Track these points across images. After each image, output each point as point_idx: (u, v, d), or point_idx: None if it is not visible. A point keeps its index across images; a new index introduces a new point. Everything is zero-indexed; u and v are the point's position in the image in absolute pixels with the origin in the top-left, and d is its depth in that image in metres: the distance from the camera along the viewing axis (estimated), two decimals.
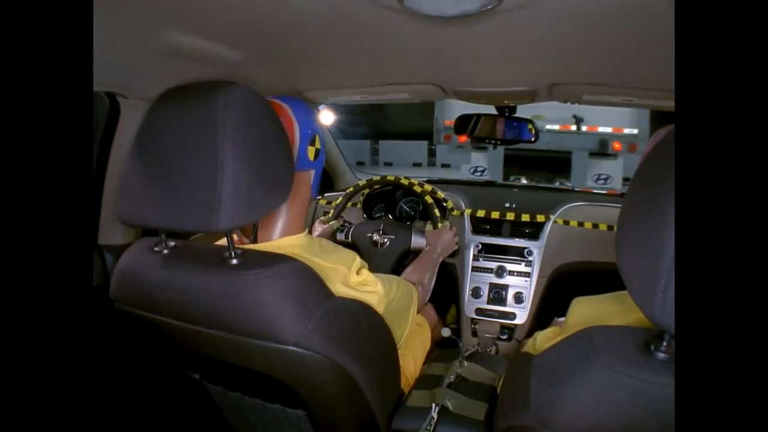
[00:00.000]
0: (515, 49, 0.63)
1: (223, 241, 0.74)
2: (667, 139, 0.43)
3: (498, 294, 1.16)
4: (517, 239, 1.18)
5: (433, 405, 0.71)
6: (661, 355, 0.42)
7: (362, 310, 0.67)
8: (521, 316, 1.14)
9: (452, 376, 0.77)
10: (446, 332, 0.96)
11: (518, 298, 1.15)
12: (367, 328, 0.68)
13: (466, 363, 0.84)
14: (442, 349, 0.96)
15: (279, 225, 0.70)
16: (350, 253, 0.71)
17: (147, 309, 0.65)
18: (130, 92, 0.77)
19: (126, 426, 0.84)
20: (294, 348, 0.57)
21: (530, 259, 1.15)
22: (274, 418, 0.74)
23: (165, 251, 0.65)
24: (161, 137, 0.59)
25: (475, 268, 1.19)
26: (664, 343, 0.42)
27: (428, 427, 0.69)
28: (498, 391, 0.75)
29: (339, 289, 0.65)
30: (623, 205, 0.47)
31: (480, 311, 1.18)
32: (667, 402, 0.39)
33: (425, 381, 0.81)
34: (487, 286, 1.17)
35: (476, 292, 1.17)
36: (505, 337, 1.18)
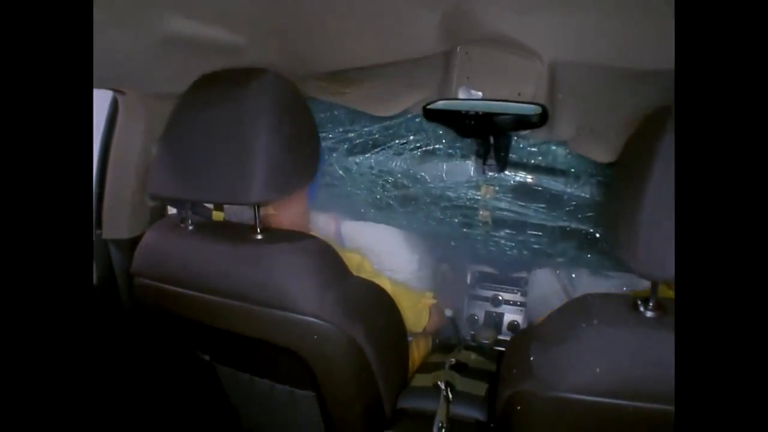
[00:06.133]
0: None
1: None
2: (651, 117, 0.47)
3: (493, 322, 1.17)
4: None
5: (441, 384, 0.73)
6: (650, 314, 0.47)
7: (379, 291, 0.70)
8: None
9: (453, 360, 0.81)
10: (448, 312, 0.97)
11: (513, 327, 1.15)
12: (381, 309, 0.71)
13: (464, 351, 0.87)
14: (441, 341, 1.00)
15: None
16: (356, 251, 0.76)
17: (169, 282, 0.67)
18: (129, 88, 0.76)
19: (131, 422, 0.85)
20: (312, 318, 0.60)
21: (525, 288, 1.14)
22: (282, 400, 0.75)
23: (190, 227, 0.67)
24: (195, 119, 0.62)
25: (471, 296, 1.20)
26: (651, 303, 0.47)
27: (442, 401, 0.70)
28: (497, 371, 0.76)
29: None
30: (612, 177, 0.52)
31: (475, 333, 1.17)
32: (659, 355, 0.44)
33: (427, 367, 0.84)
34: (483, 314, 1.18)
35: (472, 319, 1.18)
36: None
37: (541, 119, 0.72)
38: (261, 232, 0.62)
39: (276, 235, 0.64)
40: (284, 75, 0.67)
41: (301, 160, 0.64)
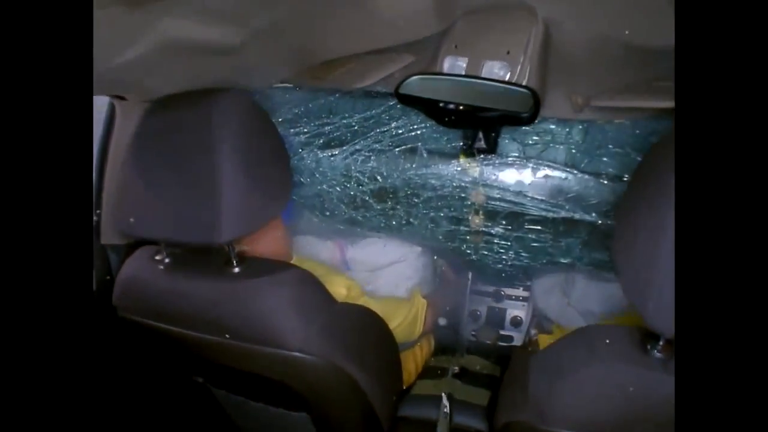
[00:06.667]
0: None
1: None
2: (668, 137, 0.44)
3: (495, 317, 1.14)
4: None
5: (443, 394, 0.72)
6: (657, 354, 0.44)
7: (365, 314, 0.68)
8: (518, 339, 1.12)
9: (456, 368, 0.80)
10: (442, 321, 0.96)
11: (515, 322, 1.12)
12: (369, 332, 0.69)
13: (467, 355, 0.87)
14: (444, 343, 0.98)
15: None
16: (342, 275, 0.74)
17: (150, 317, 0.66)
18: (128, 93, 0.76)
19: (129, 423, 0.84)
20: (298, 354, 0.58)
21: (528, 283, 1.12)
22: (278, 420, 0.75)
23: (166, 260, 0.65)
24: (157, 148, 0.59)
25: (473, 291, 1.16)
26: (660, 343, 0.44)
27: (445, 413, 0.70)
28: (501, 376, 0.76)
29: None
30: (619, 209, 0.48)
31: (477, 333, 1.15)
32: (661, 398, 0.41)
33: (429, 372, 0.83)
34: (485, 309, 1.15)
35: (474, 315, 1.15)
36: None
37: (532, 113, 0.62)
38: (238, 265, 0.60)
39: (254, 267, 0.61)
40: (283, 72, 0.65)
41: (272, 185, 0.61)
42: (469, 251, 0.88)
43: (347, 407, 0.66)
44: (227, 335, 0.60)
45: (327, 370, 0.60)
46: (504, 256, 0.86)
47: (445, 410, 0.70)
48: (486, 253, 0.87)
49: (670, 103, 0.58)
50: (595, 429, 0.46)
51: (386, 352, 0.73)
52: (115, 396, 0.79)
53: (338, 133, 0.86)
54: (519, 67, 0.63)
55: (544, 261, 0.85)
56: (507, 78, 0.64)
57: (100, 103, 0.82)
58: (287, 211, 0.79)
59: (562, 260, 0.83)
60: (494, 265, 0.89)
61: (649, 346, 0.44)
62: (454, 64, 0.68)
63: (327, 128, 0.86)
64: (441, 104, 0.65)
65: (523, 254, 0.85)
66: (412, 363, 0.88)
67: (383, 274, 0.94)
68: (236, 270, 0.60)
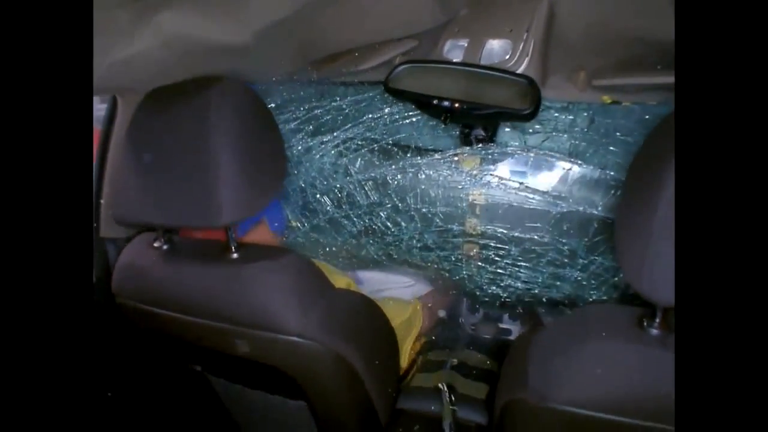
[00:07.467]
0: None
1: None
2: (668, 119, 0.44)
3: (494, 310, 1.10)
4: None
5: (443, 385, 0.72)
6: (654, 331, 0.45)
7: (363, 301, 0.69)
8: (516, 332, 1.08)
9: (455, 360, 0.80)
10: (442, 313, 0.95)
11: (515, 315, 1.08)
12: (367, 319, 0.69)
13: (466, 350, 0.86)
14: (443, 336, 0.96)
15: None
16: (345, 277, 0.76)
17: (149, 303, 0.66)
18: (130, 92, 0.76)
19: (127, 420, 0.84)
20: (296, 338, 0.58)
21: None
22: (276, 409, 0.75)
23: (165, 246, 0.66)
24: (154, 137, 0.60)
25: None
26: (657, 320, 0.44)
27: (446, 404, 0.70)
28: (498, 371, 0.74)
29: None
30: (624, 186, 0.49)
31: (476, 327, 1.12)
32: (660, 374, 0.42)
33: (428, 365, 0.83)
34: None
35: (472, 307, 1.12)
36: None
37: (533, 109, 0.58)
38: (236, 251, 0.61)
39: (252, 253, 0.62)
40: (284, 67, 0.65)
41: (269, 170, 0.61)
42: (460, 264, 0.82)
43: (345, 394, 0.66)
44: (226, 320, 0.60)
45: (325, 355, 0.60)
46: (500, 270, 0.79)
47: (448, 402, 0.70)
48: (481, 264, 0.81)
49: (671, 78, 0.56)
50: (594, 406, 0.46)
51: (384, 340, 0.73)
52: (112, 387, 0.79)
53: (329, 117, 0.82)
54: (522, 44, 0.61)
55: (546, 275, 0.78)
56: (508, 56, 0.61)
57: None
58: (276, 217, 0.78)
59: (576, 274, 0.76)
60: (488, 288, 0.82)
61: (645, 323, 0.45)
62: (455, 45, 0.67)
63: (317, 111, 0.83)
64: (435, 101, 0.63)
65: (522, 263, 0.78)
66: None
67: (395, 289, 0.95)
68: (234, 256, 0.61)
